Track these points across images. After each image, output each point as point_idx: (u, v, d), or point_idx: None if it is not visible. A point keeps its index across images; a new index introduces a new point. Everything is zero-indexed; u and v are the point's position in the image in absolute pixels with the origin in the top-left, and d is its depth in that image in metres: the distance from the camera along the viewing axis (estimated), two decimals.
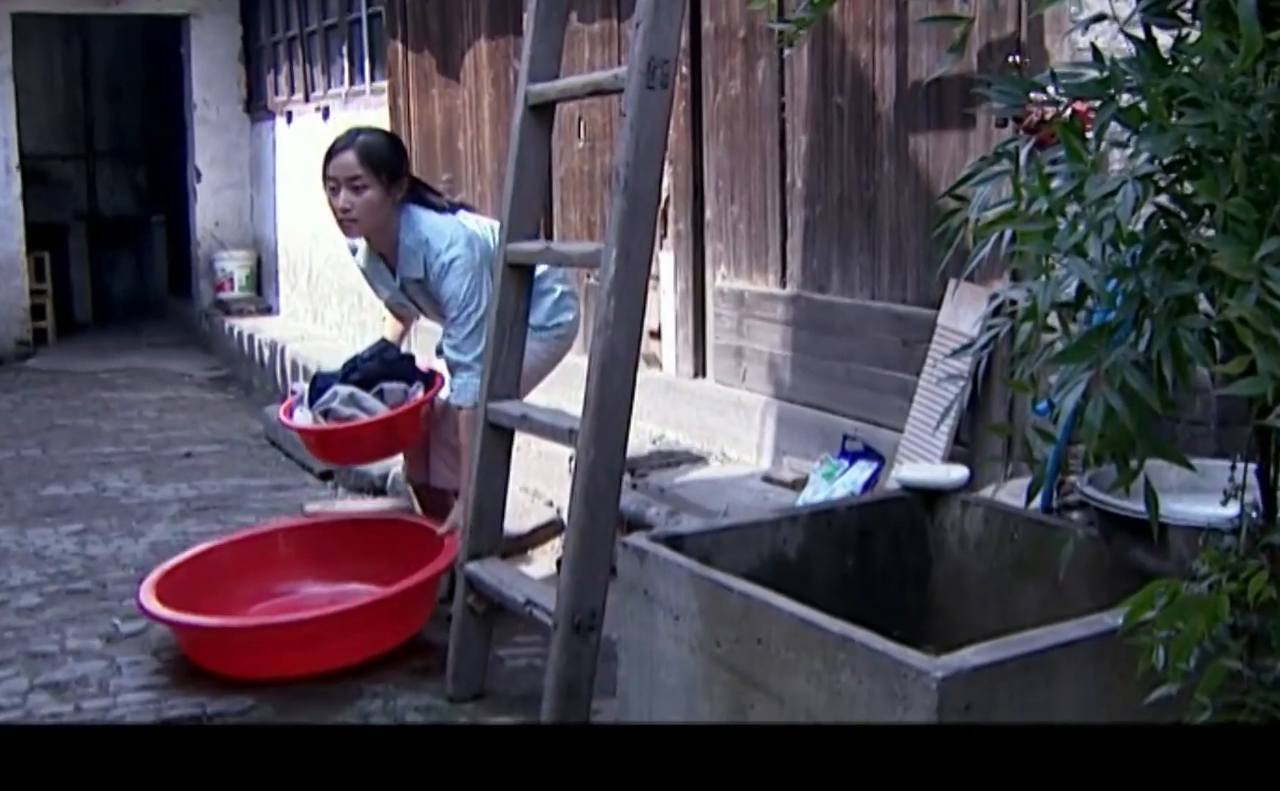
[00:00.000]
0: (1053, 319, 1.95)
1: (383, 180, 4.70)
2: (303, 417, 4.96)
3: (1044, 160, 1.98)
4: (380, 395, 4.86)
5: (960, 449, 4.44)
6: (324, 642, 4.44)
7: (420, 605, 4.63)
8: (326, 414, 4.83)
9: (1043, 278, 1.90)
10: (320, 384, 4.95)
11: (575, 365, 6.55)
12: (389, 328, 5.26)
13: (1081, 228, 1.82)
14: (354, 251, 5.04)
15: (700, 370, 6.16)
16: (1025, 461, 2.13)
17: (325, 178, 4.77)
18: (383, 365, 4.94)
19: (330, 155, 4.77)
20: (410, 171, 4.91)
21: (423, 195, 4.90)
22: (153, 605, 4.51)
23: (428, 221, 4.76)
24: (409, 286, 4.86)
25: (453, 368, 4.70)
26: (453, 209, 4.93)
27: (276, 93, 12.50)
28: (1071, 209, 1.88)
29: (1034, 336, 1.96)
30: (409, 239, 4.75)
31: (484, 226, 4.90)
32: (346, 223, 4.76)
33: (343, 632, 4.47)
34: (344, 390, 4.83)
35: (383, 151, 4.76)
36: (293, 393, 5.25)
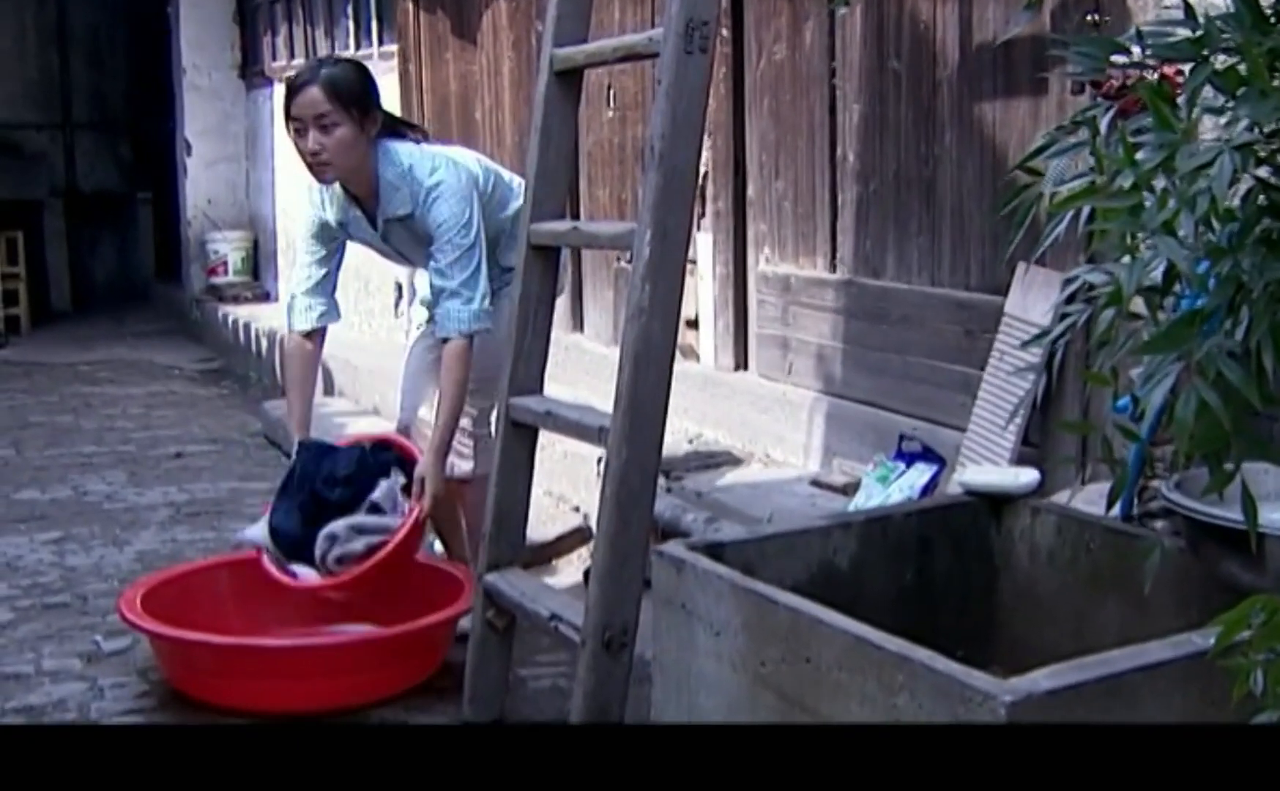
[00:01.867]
0: (1138, 305, 1.94)
1: (354, 115, 4.62)
2: (310, 573, 4.68)
3: (1128, 129, 1.98)
4: (375, 509, 4.74)
5: (1029, 450, 4.42)
6: (337, 675, 4.43)
7: (441, 645, 4.62)
8: (341, 560, 4.61)
9: (1127, 259, 1.89)
10: (286, 532, 4.70)
11: (605, 357, 6.57)
12: (293, 363, 4.99)
13: (1171, 204, 1.82)
14: (320, 207, 4.89)
15: (741, 362, 6.16)
16: (1106, 463, 2.12)
17: (289, 119, 4.67)
18: (351, 487, 4.74)
19: (292, 93, 4.67)
20: (381, 104, 4.84)
21: (396, 129, 4.89)
22: (137, 616, 4.51)
23: (406, 151, 4.74)
24: (392, 231, 4.82)
25: (437, 295, 4.66)
26: (427, 141, 4.95)
27: (274, 57, 12.53)
28: (1159, 183, 1.87)
29: (1115, 324, 1.96)
30: (390, 173, 4.71)
31: (465, 155, 4.92)
32: (318, 166, 4.66)
33: (358, 666, 4.47)
34: (339, 527, 4.61)
35: (351, 83, 4.67)
36: (245, 547, 4.95)
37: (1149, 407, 1.84)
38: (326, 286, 4.98)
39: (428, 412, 4.96)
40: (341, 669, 4.45)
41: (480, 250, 4.62)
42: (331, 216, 4.88)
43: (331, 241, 4.95)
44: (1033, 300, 4.39)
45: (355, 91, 4.66)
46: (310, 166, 4.69)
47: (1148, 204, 1.86)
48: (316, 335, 4.99)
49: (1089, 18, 4.20)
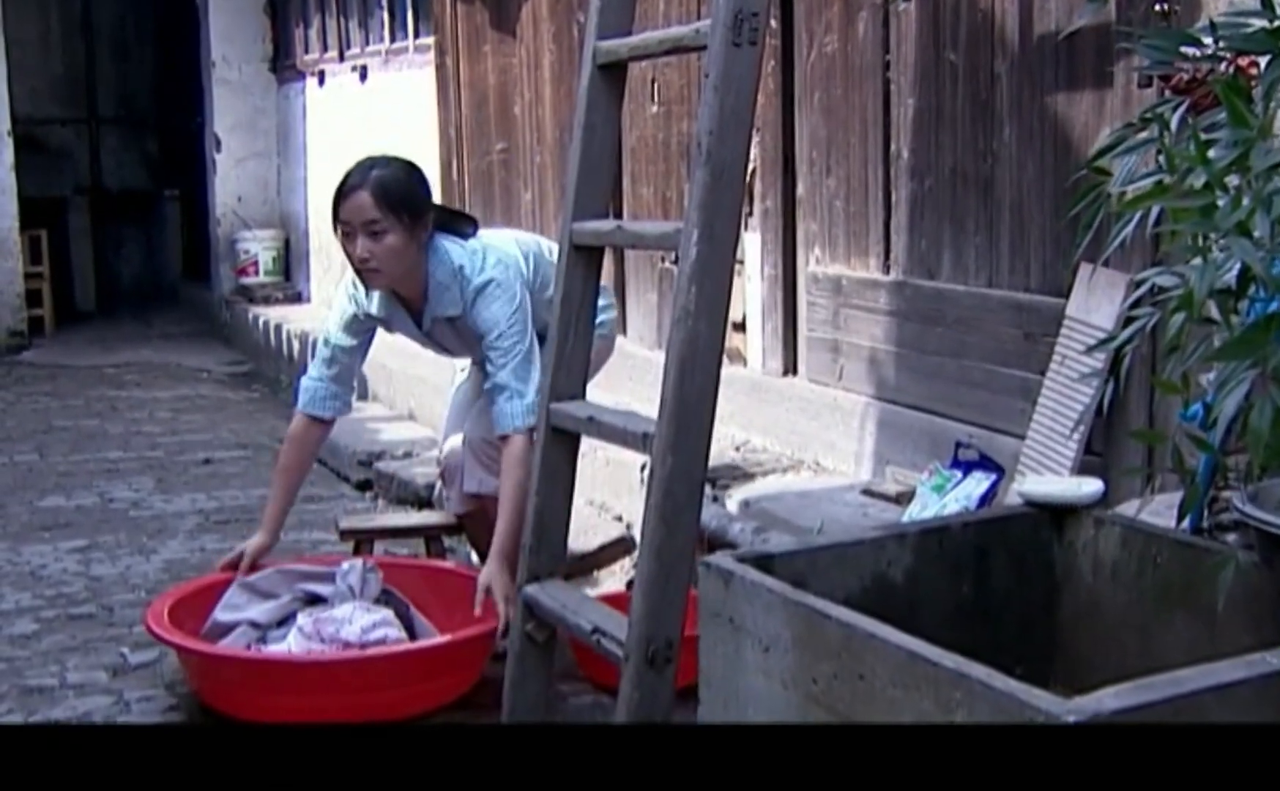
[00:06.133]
0: (1209, 309, 1.93)
1: (405, 221, 4.60)
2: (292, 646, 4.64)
3: (1199, 126, 1.96)
4: (387, 598, 4.76)
5: (1092, 458, 4.40)
6: (372, 690, 4.41)
7: (479, 659, 4.62)
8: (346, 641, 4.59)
9: (1198, 261, 1.88)
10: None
11: (649, 361, 6.57)
12: (294, 448, 4.98)
13: (1245, 203, 1.80)
14: (359, 303, 4.87)
15: (790, 367, 6.15)
16: (1178, 474, 2.11)
17: (337, 221, 4.66)
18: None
19: (341, 196, 4.64)
20: (432, 203, 4.82)
21: (447, 223, 4.87)
22: (164, 630, 4.51)
23: (457, 250, 4.74)
24: (437, 328, 4.86)
25: (490, 393, 4.67)
26: (475, 231, 4.93)
27: (307, 50, 12.58)
28: (1233, 182, 1.86)
29: (1186, 329, 1.94)
30: (441, 273, 4.72)
31: (508, 242, 4.93)
32: (368, 274, 4.66)
33: (392, 681, 4.46)
34: (357, 616, 4.60)
35: (402, 188, 4.64)
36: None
37: (1221, 416, 1.83)
38: (350, 375, 5.01)
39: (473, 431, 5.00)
40: (376, 684, 4.45)
41: (530, 342, 4.66)
42: (374, 311, 4.88)
43: (364, 333, 4.96)
44: (1096, 302, 4.37)
45: (406, 196, 4.64)
46: (359, 273, 4.69)
47: (1221, 204, 1.85)
48: (328, 423, 5.03)
49: (1157, 7, 4.17)
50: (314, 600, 4.75)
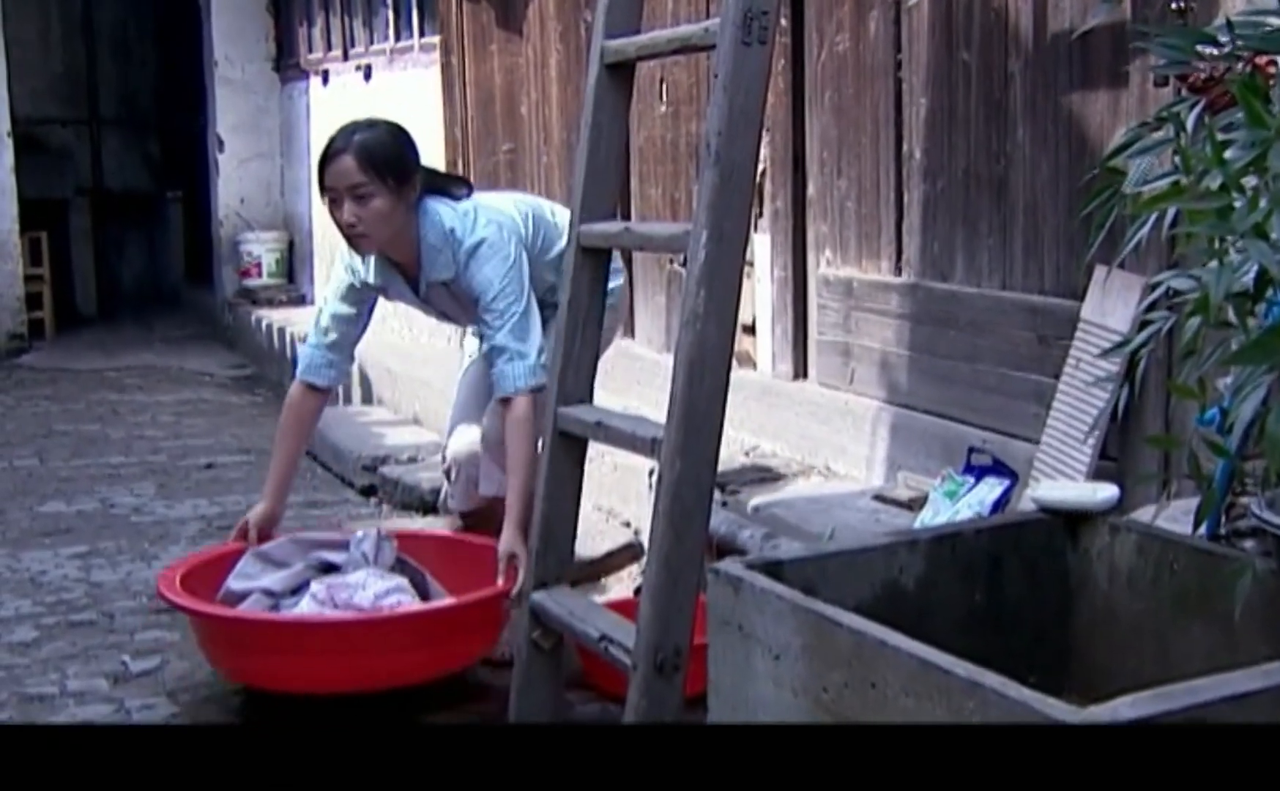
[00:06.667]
0: (1226, 312, 1.93)
1: (390, 183, 4.61)
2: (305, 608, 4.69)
3: (1216, 126, 1.96)
4: (401, 566, 4.79)
5: (1107, 464, 4.39)
6: (387, 652, 4.46)
7: (493, 622, 4.64)
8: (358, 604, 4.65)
9: (1215, 263, 1.88)
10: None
11: (657, 364, 6.57)
12: (293, 416, 5.01)
13: (1263, 204, 1.80)
14: (356, 271, 4.90)
15: (801, 371, 6.14)
16: (1193, 479, 2.11)
17: (323, 188, 4.68)
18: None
19: (325, 161, 4.67)
20: (420, 164, 4.83)
21: (439, 186, 4.89)
22: (178, 596, 4.54)
23: (449, 212, 4.75)
24: (434, 293, 4.87)
25: (490, 357, 4.70)
26: (469, 193, 4.94)
27: (310, 49, 12.58)
28: (1250, 183, 1.85)
29: (1202, 333, 1.94)
30: (432, 236, 4.73)
31: (506, 204, 4.94)
32: (355, 239, 4.68)
33: (412, 643, 4.50)
34: (371, 582, 4.64)
35: (386, 150, 4.66)
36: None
37: (1238, 421, 1.83)
38: (348, 344, 5.03)
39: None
40: (390, 645, 4.47)
41: (529, 303, 4.66)
42: (370, 279, 4.90)
43: (363, 302, 4.99)
44: (1111, 305, 4.36)
45: (391, 158, 4.65)
46: (347, 239, 4.71)
47: (1237, 205, 1.85)
48: (326, 392, 5.06)
49: (1173, 6, 4.16)
50: (328, 568, 4.77)
